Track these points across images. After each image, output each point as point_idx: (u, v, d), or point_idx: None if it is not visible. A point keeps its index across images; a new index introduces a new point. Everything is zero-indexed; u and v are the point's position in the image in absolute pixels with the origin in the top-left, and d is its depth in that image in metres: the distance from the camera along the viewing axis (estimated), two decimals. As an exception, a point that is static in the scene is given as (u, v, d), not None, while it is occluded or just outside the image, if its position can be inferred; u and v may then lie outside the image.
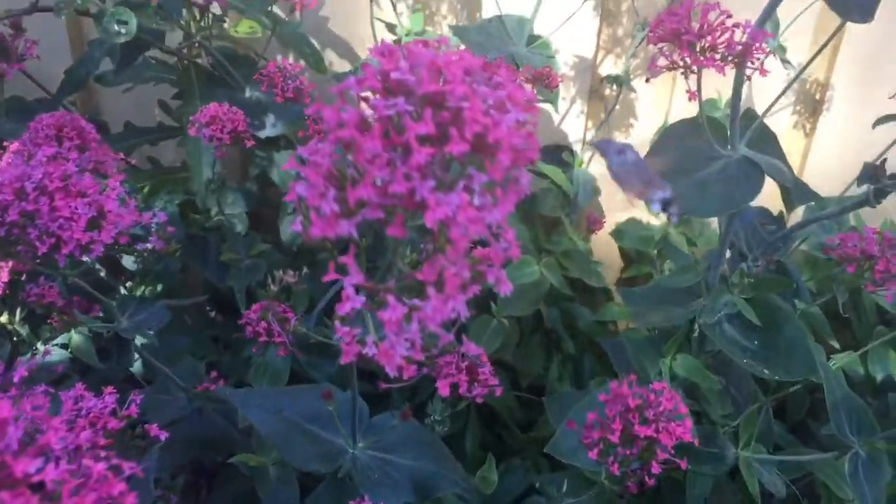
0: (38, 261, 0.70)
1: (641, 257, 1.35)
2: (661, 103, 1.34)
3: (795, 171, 1.30)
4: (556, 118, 1.38)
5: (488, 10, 1.32)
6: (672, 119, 1.33)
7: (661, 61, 0.54)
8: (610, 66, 1.35)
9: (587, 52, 1.32)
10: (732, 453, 0.84)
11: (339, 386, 0.79)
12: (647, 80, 0.57)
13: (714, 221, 1.30)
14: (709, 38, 0.53)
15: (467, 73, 0.34)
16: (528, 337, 1.34)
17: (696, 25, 0.53)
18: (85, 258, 0.68)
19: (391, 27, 1.27)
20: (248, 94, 1.24)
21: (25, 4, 1.14)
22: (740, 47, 0.53)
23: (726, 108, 1.18)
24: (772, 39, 0.55)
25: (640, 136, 1.37)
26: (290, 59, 1.41)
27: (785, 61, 1.12)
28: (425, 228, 0.37)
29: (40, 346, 1.11)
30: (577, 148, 1.39)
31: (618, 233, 1.33)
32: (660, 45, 0.54)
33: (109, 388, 0.58)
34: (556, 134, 1.39)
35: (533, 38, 1.20)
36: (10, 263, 1.02)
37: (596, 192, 1.37)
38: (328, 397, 0.70)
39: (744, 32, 0.53)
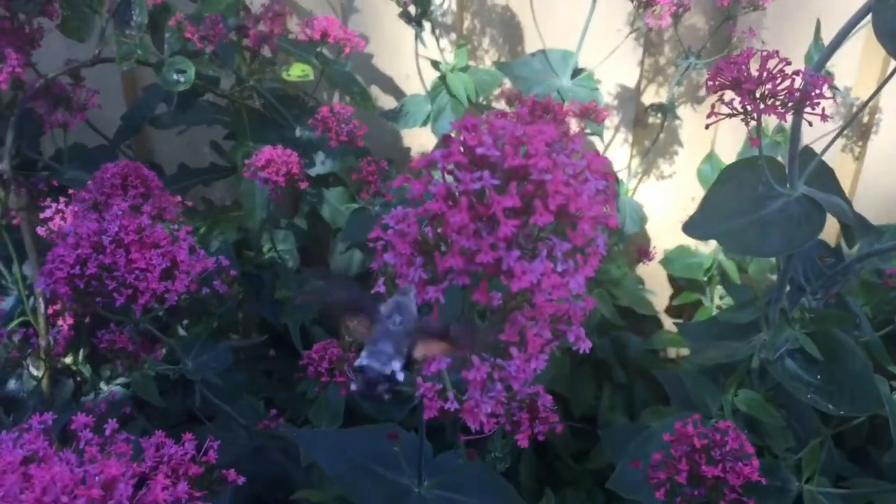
0: (110, 309, 0.72)
1: (691, 285, 1.34)
2: (706, 131, 1.34)
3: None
4: (600, 147, 1.38)
5: (529, 44, 1.34)
6: (718, 146, 1.33)
7: (722, 109, 0.55)
8: (653, 95, 1.35)
9: (630, 82, 1.33)
10: (795, 486, 0.83)
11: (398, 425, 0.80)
12: (707, 127, 0.57)
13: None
14: (769, 85, 0.54)
15: (548, 145, 0.35)
16: (579, 367, 1.34)
17: (755, 72, 0.54)
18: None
19: (435, 64, 1.29)
20: (298, 133, 1.27)
21: (82, 54, 1.18)
22: (799, 93, 0.54)
23: (774, 136, 1.18)
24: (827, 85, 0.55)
25: (684, 163, 1.37)
26: (336, 98, 1.44)
27: (833, 87, 1.11)
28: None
29: (104, 386, 1.14)
30: (622, 176, 1.39)
31: (667, 261, 1.33)
32: (719, 92, 0.55)
33: (188, 435, 0.60)
34: (601, 163, 1.39)
35: (577, 72, 1.21)
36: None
37: (643, 219, 1.37)
38: (394, 438, 0.71)
39: (803, 78, 0.54)
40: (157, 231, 0.68)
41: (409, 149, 1.47)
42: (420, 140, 1.44)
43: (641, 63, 1.32)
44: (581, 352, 0.40)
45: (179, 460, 0.58)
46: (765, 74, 0.54)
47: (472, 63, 1.38)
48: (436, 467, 0.75)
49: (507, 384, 0.38)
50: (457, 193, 0.35)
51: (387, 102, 1.42)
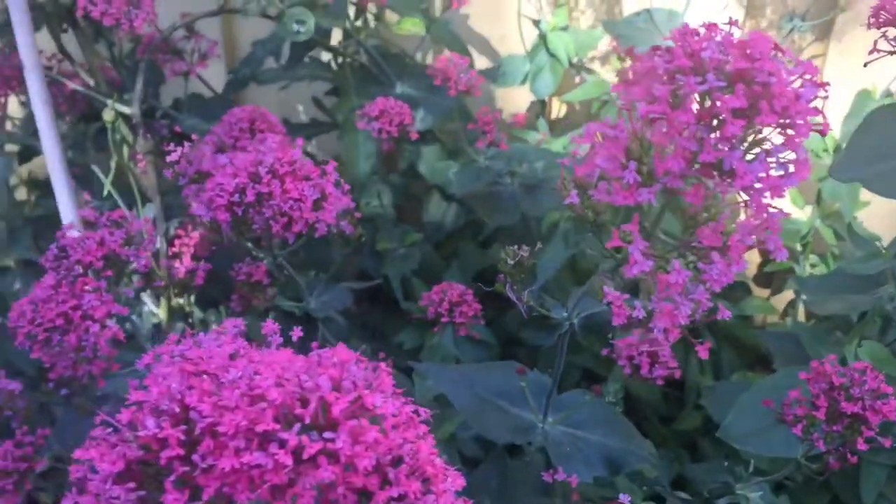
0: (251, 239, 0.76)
1: (784, 251, 1.33)
2: (806, 95, 1.33)
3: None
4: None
5: (627, 5, 1.34)
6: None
7: (884, 45, 0.55)
8: (753, 59, 1.34)
9: (730, 45, 1.32)
10: (911, 443, 0.83)
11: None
12: (866, 65, 0.58)
13: (861, 215, 1.28)
14: (936, 21, 0.54)
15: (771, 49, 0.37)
16: (667, 330, 1.34)
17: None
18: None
19: (536, 23, 1.30)
20: (398, 89, 1.30)
21: (191, 6, 1.22)
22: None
23: (883, 99, 1.16)
24: None
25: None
26: (430, 59, 1.46)
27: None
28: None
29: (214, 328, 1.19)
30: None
31: (762, 226, 1.33)
32: (882, 29, 0.55)
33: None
34: (696, 127, 1.39)
35: (681, 32, 1.21)
36: (193, 248, 1.10)
37: (736, 185, 1.37)
38: (522, 373, 0.74)
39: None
40: (308, 165, 0.71)
41: (502, 110, 1.48)
42: (515, 100, 1.45)
43: (743, 25, 1.31)
44: (776, 258, 0.41)
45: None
46: (931, 11, 0.54)
47: (569, 24, 1.38)
48: (561, 405, 0.77)
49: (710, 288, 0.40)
50: (674, 97, 0.37)
51: (481, 63, 1.44)
